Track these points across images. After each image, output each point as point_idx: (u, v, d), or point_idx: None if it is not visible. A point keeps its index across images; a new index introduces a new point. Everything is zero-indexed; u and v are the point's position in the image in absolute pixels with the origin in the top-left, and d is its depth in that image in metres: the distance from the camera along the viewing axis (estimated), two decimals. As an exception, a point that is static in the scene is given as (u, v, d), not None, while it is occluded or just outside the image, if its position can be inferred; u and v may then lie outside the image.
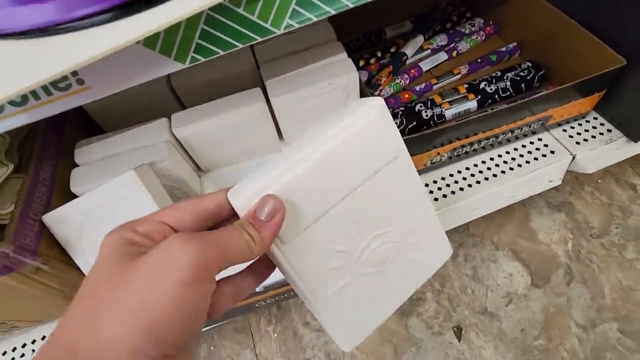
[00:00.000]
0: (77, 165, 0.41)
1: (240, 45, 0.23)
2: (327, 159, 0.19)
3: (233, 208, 0.18)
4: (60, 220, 0.36)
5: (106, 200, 0.36)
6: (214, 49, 0.22)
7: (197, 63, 0.23)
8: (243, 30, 0.22)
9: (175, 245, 0.15)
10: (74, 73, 0.21)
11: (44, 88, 0.21)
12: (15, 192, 0.36)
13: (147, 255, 0.15)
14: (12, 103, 0.21)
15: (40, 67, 0.16)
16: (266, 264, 0.21)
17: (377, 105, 0.20)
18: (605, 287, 0.56)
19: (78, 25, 0.16)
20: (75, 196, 0.38)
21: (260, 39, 0.23)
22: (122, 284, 0.14)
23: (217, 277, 0.20)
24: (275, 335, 0.59)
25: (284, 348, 0.58)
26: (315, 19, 0.23)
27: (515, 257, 0.60)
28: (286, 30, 0.23)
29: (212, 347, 0.60)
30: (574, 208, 0.63)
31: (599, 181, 0.65)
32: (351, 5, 0.24)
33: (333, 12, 0.23)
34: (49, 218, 0.35)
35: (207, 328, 0.56)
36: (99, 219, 0.36)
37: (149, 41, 0.21)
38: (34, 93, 0.21)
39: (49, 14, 0.16)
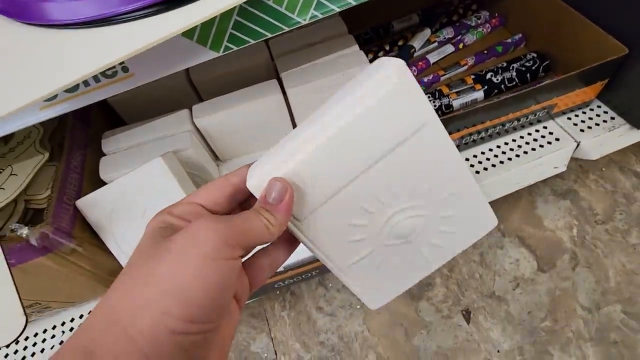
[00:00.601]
0: (104, 154, 0.43)
1: (270, 35, 0.25)
2: (340, 136, 0.18)
3: None
4: (92, 205, 0.38)
5: (135, 186, 0.38)
6: (246, 38, 0.24)
7: (230, 52, 0.25)
8: (272, 20, 0.24)
9: (201, 226, 0.16)
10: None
11: (94, 75, 0.23)
12: (50, 178, 0.38)
13: (177, 234, 0.17)
14: (65, 90, 0.23)
15: (101, 55, 0.18)
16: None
17: (396, 70, 0.17)
18: (609, 271, 0.57)
19: (133, 16, 0.19)
20: (104, 183, 0.40)
21: (287, 29, 0.25)
22: (155, 259, 0.16)
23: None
24: (290, 320, 0.61)
25: (298, 332, 0.60)
26: (337, 10, 0.25)
27: (521, 243, 0.62)
28: (312, 21, 0.25)
29: (228, 332, 0.62)
30: (578, 195, 0.65)
31: (603, 169, 0.67)
32: (370, -3, 0.26)
33: (354, 3, 0.25)
34: (82, 203, 0.38)
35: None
36: (128, 203, 0.38)
37: (187, 31, 0.23)
38: (84, 80, 0.23)
39: (108, 6, 0.18)
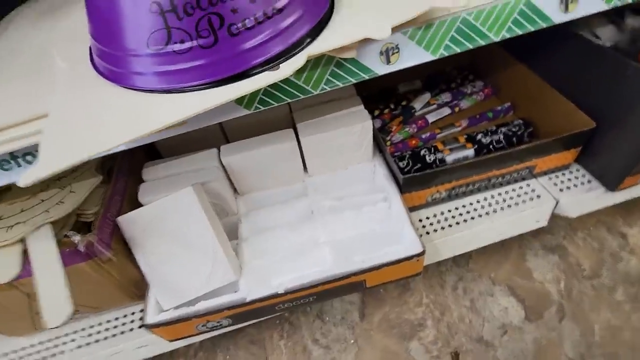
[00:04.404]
0: (143, 181, 0.51)
1: (289, 100, 0.33)
2: None
3: None
4: (130, 222, 0.45)
5: (167, 209, 0.45)
6: (271, 101, 0.33)
7: (258, 110, 0.33)
8: (291, 90, 0.33)
9: None
10: (178, 113, 0.32)
11: (157, 122, 0.31)
12: (99, 198, 0.46)
13: None
14: (135, 131, 0.31)
15: (172, 114, 0.26)
16: None
17: None
18: (595, 325, 0.60)
19: (194, 88, 0.27)
20: (141, 205, 0.48)
21: (302, 97, 0.33)
22: None
23: None
24: (286, 349, 0.65)
25: (293, 362, 0.63)
26: (341, 85, 0.33)
27: (511, 292, 0.65)
28: (321, 92, 0.33)
29: (227, 357, 0.66)
30: (567, 251, 0.69)
31: (591, 228, 0.71)
32: (367, 77, 0.34)
33: (354, 81, 0.34)
34: (122, 220, 0.45)
35: (223, 333, 0.62)
36: (159, 223, 0.45)
37: (229, 95, 0.32)
38: (150, 125, 0.31)
39: (178, 81, 0.27)
